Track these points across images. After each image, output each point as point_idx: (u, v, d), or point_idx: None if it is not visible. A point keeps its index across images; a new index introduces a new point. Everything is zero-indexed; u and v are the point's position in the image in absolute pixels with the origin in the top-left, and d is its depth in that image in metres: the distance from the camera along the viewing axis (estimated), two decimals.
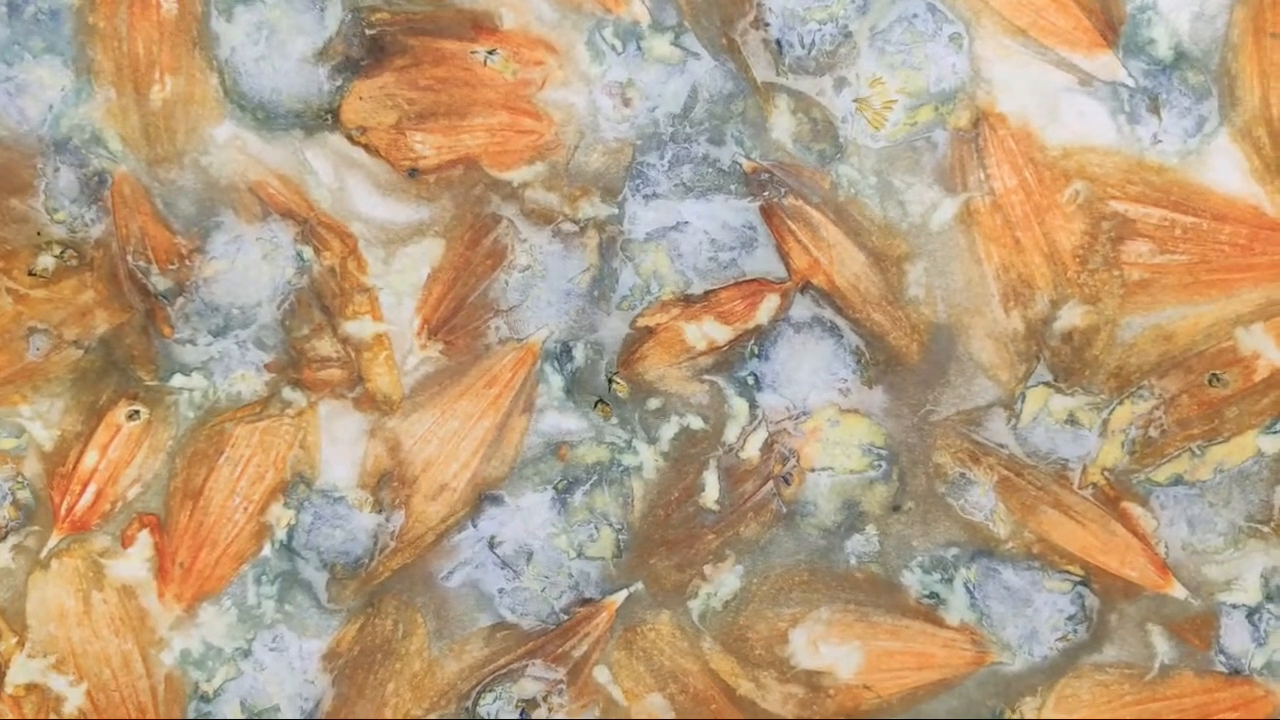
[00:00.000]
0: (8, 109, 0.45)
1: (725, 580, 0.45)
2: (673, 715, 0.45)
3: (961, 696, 0.44)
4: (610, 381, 0.45)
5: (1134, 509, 0.44)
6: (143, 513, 0.46)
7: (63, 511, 0.45)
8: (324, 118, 0.45)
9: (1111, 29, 0.44)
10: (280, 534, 0.46)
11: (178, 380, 0.46)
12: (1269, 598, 0.44)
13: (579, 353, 0.45)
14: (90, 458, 0.46)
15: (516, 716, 0.45)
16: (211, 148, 0.45)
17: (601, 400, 0.45)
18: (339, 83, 0.45)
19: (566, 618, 0.45)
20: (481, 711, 0.45)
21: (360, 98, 0.45)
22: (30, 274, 0.45)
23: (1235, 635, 0.44)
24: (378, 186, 0.45)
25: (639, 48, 0.44)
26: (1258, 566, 0.44)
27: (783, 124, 0.45)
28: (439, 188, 0.45)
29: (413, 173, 0.45)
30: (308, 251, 0.45)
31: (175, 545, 0.46)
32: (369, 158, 0.45)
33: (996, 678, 0.44)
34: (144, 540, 0.46)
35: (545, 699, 0.45)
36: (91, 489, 0.46)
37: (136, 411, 0.46)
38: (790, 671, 0.45)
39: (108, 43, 0.45)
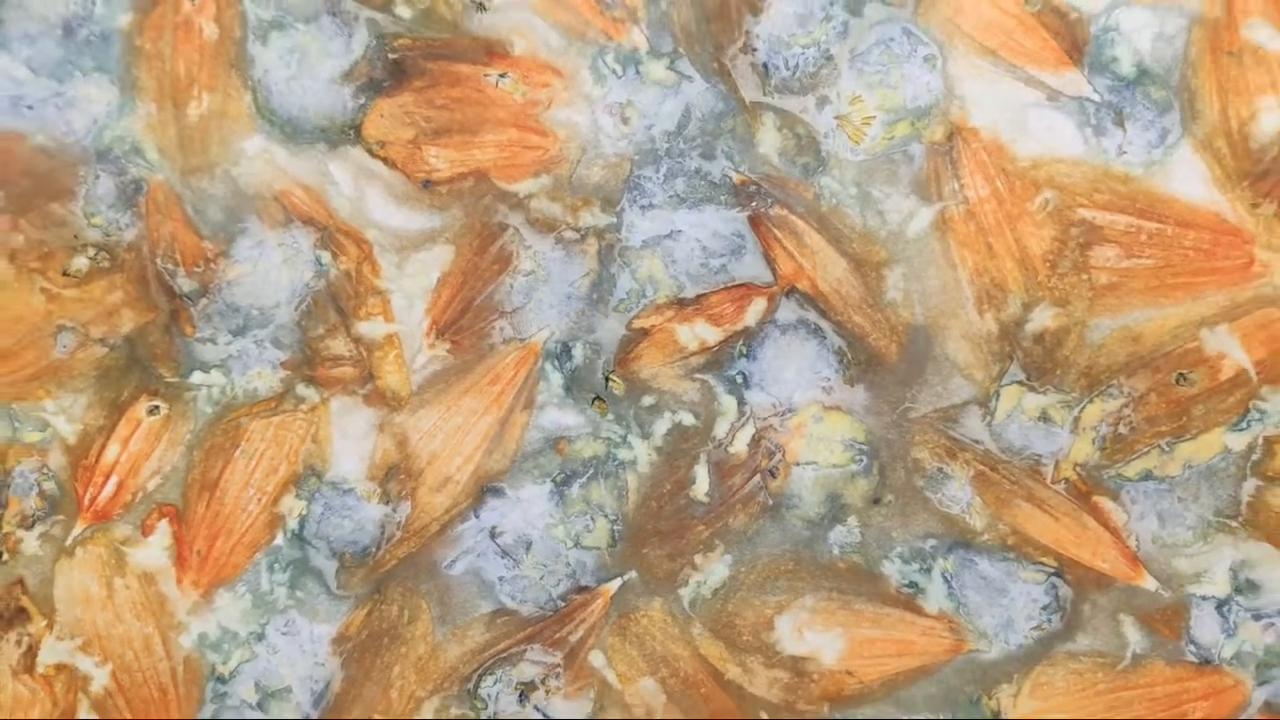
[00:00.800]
0: (56, 121, 0.49)
1: (714, 569, 0.48)
2: (664, 698, 0.47)
3: (940, 683, 0.47)
4: (607, 379, 0.49)
5: (1105, 503, 0.47)
6: (162, 503, 0.49)
7: (86, 502, 0.49)
8: (347, 133, 0.49)
9: (1076, 48, 0.48)
10: (292, 524, 0.49)
11: (197, 377, 0.49)
12: (1238, 590, 0.47)
13: (578, 352, 0.49)
14: (112, 450, 0.49)
15: (515, 698, 0.48)
16: (241, 159, 0.50)
17: (599, 397, 0.49)
18: (362, 101, 0.49)
19: (563, 604, 0.48)
20: (482, 693, 0.48)
21: (381, 115, 0.49)
22: (64, 274, 0.50)
23: (1205, 626, 0.46)
24: (394, 196, 0.50)
25: (637, 72, 0.49)
26: (1226, 560, 0.47)
27: (769, 140, 0.49)
28: (450, 198, 0.50)
29: (426, 184, 0.50)
30: (326, 256, 0.50)
31: (193, 534, 0.49)
32: (387, 170, 0.50)
33: (974, 665, 0.47)
34: (163, 529, 0.49)
35: (543, 682, 0.48)
36: (113, 480, 0.49)
37: (157, 407, 0.50)
38: (776, 657, 0.47)
39: (152, 63, 0.50)
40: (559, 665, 0.48)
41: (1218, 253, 0.47)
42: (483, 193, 0.49)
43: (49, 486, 0.49)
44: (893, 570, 0.48)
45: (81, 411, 0.49)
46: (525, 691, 0.48)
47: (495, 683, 0.48)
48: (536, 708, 0.48)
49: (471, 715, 0.48)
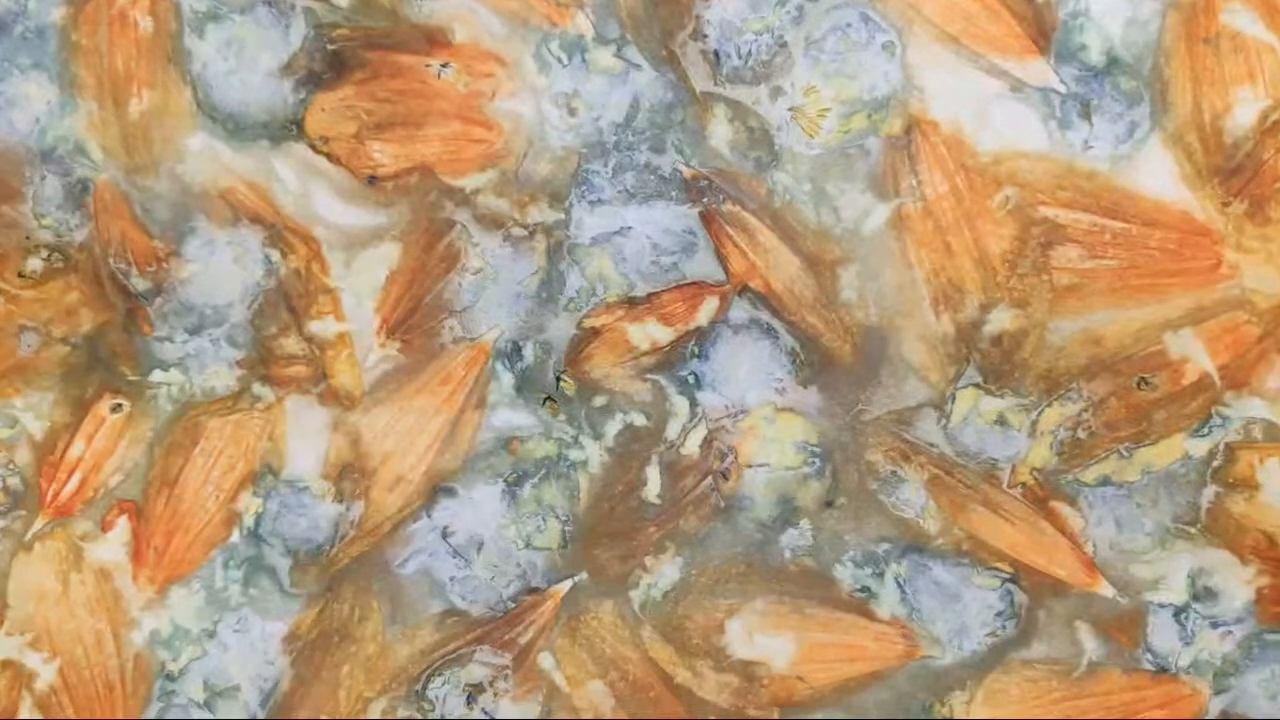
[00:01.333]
0: None
1: (665, 571, 0.46)
2: (613, 702, 0.45)
3: (892, 689, 0.44)
4: (558, 379, 0.46)
5: (1062, 508, 0.44)
6: (122, 500, 0.47)
7: (49, 497, 0.47)
8: (289, 128, 0.46)
9: (1043, 35, 0.43)
10: (248, 521, 0.47)
11: (157, 375, 0.47)
12: (1195, 598, 0.44)
13: (529, 352, 0.46)
14: (77, 447, 0.48)
15: (463, 700, 0.46)
16: (186, 157, 0.47)
17: (550, 397, 0.46)
18: (303, 95, 0.46)
19: (514, 605, 0.46)
20: (430, 694, 0.46)
21: (322, 109, 0.46)
22: (20, 275, 0.47)
23: (1162, 634, 0.43)
24: (339, 193, 0.47)
25: (583, 60, 0.45)
26: (1184, 567, 0.44)
27: (721, 132, 0.45)
28: (396, 194, 0.47)
29: (371, 180, 0.46)
30: (275, 255, 0.47)
31: (151, 530, 0.47)
32: (331, 166, 0.47)
33: (926, 671, 0.45)
34: (122, 525, 0.47)
35: (491, 684, 0.46)
36: (77, 477, 0.48)
37: (120, 405, 0.48)
38: (726, 661, 0.45)
39: (89, 59, 0.47)
40: (508, 667, 0.46)
41: (1184, 253, 0.43)
42: (428, 188, 0.46)
43: (13, 482, 0.47)
44: (845, 574, 0.45)
45: (49, 409, 0.47)
46: (473, 693, 0.46)
47: (444, 684, 0.46)
48: (484, 710, 0.46)
49: (419, 717, 0.46)
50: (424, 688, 0.46)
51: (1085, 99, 0.43)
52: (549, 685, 0.46)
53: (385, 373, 0.47)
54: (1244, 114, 0.43)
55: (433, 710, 0.46)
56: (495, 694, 0.46)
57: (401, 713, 0.46)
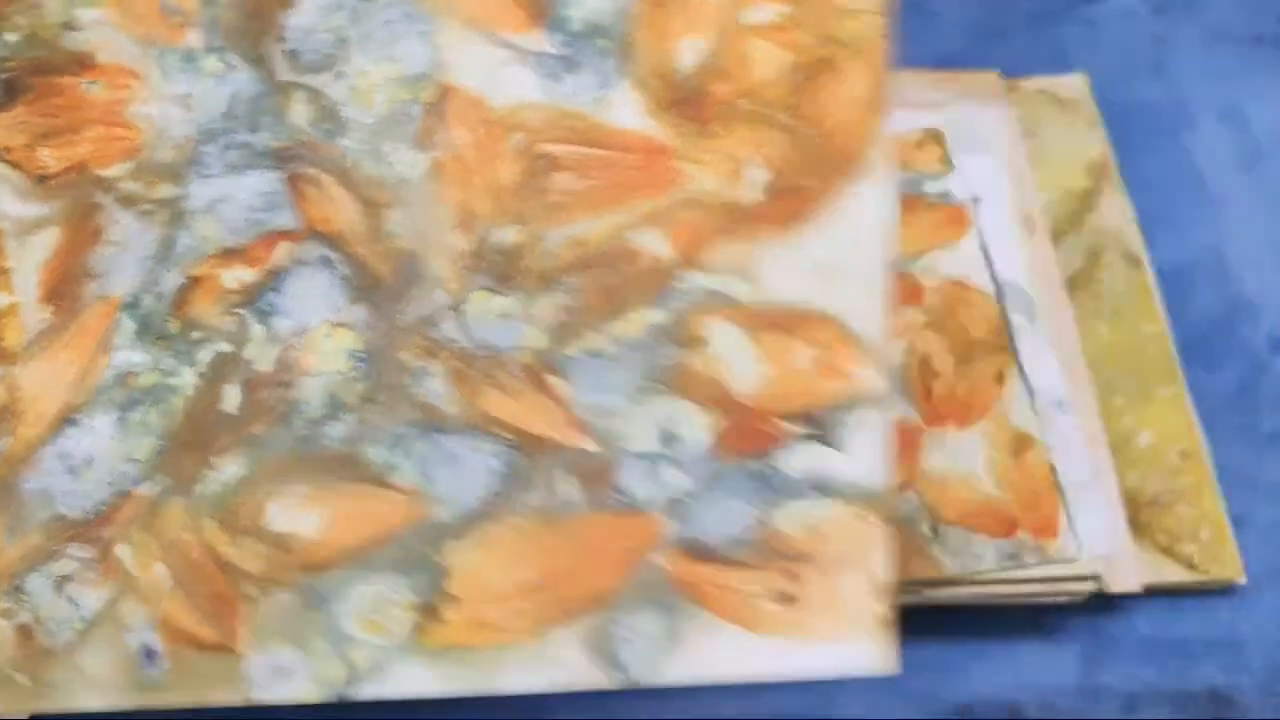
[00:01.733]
0: None
1: (229, 469, 0.76)
2: (171, 581, 0.74)
3: (400, 545, 0.72)
4: (167, 322, 0.79)
5: (555, 381, 0.73)
6: None
7: None
8: None
9: (540, 13, 0.78)
10: None
11: None
12: (663, 442, 0.71)
13: (146, 302, 0.80)
14: None
15: (53, 589, 0.75)
16: None
17: (160, 336, 0.79)
18: None
19: (105, 508, 0.76)
20: (27, 588, 0.75)
21: (3, 127, 0.83)
22: None
23: (632, 476, 0.70)
24: (17, 192, 0.83)
25: (195, 67, 0.82)
26: (655, 418, 0.71)
27: (300, 111, 0.80)
28: (61, 188, 0.82)
29: (41, 179, 0.83)
30: None
31: None
32: (11, 170, 0.83)
33: (431, 528, 0.72)
34: None
35: (77, 574, 0.75)
36: None
37: None
38: (265, 536, 0.74)
39: None
40: (93, 559, 0.75)
41: (650, 168, 0.75)
42: (84, 181, 0.82)
43: None
44: (376, 454, 0.74)
45: None
46: (61, 583, 0.75)
47: (40, 578, 0.75)
48: (69, 597, 0.75)
49: (15, 609, 0.75)
50: (24, 582, 0.76)
51: (571, 59, 0.77)
52: (123, 572, 0.75)
53: (41, 332, 0.81)
54: (687, 58, 0.76)
55: (29, 601, 0.75)
56: (80, 582, 0.75)
57: (3, 604, 0.75)
